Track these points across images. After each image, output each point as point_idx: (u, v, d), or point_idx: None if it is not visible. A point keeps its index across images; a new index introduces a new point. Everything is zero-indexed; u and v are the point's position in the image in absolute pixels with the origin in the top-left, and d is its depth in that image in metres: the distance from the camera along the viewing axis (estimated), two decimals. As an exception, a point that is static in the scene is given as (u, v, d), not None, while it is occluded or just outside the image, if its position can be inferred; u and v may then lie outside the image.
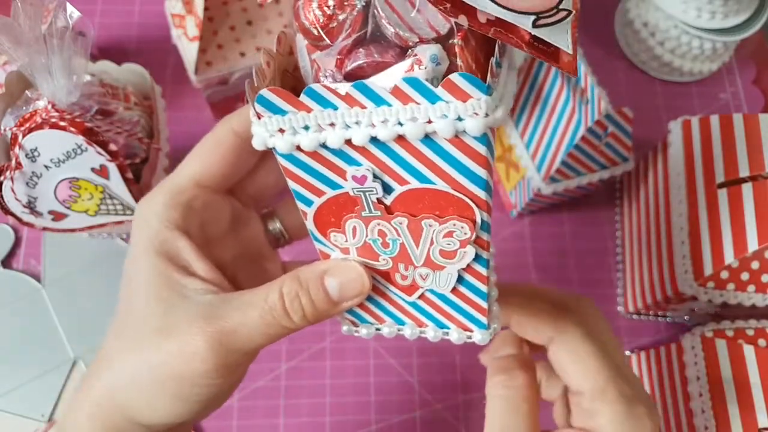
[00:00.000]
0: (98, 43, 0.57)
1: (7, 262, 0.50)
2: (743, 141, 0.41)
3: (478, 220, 0.24)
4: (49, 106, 0.37)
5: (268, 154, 0.27)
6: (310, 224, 0.26)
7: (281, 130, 0.23)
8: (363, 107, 0.22)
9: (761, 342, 0.41)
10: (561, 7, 0.21)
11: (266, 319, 0.26)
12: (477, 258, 0.25)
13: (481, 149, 0.22)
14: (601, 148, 0.46)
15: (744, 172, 0.40)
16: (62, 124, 0.36)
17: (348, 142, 0.22)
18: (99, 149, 0.37)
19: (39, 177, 0.38)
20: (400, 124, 0.22)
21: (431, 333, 0.29)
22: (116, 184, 0.40)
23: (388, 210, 0.25)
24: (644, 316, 0.51)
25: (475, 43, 0.23)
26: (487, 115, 0.21)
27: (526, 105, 0.50)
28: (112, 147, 0.38)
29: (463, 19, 0.20)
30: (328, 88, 0.21)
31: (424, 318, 0.29)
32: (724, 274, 0.41)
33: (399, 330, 0.29)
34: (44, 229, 0.42)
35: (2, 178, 0.37)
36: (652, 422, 0.28)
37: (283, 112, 0.22)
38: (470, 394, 0.48)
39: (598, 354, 0.29)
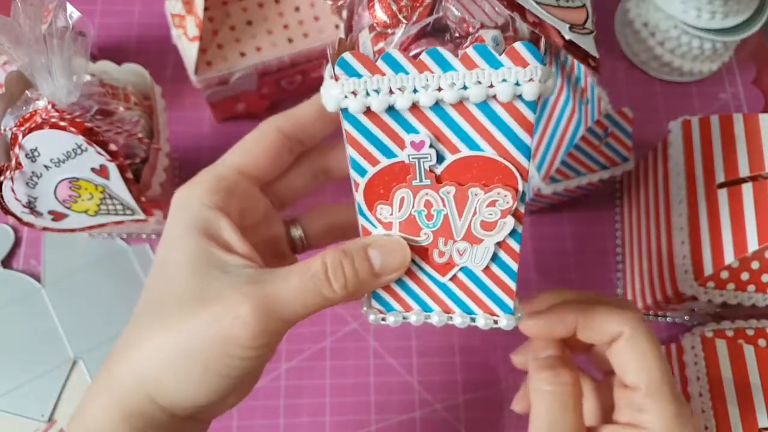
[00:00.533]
0: (98, 43, 0.57)
1: (7, 262, 0.50)
2: (743, 141, 0.41)
3: (520, 189, 0.26)
4: (49, 106, 0.37)
5: (301, 159, 0.32)
6: (359, 197, 0.28)
7: (354, 93, 0.25)
8: (432, 72, 0.24)
9: (761, 342, 0.41)
10: (586, 25, 0.25)
11: (308, 285, 0.27)
12: (513, 233, 0.27)
13: (530, 116, 0.25)
14: (601, 148, 0.46)
15: (744, 172, 0.40)
16: (62, 124, 0.36)
17: (414, 106, 0.25)
18: (99, 149, 0.37)
19: (39, 177, 0.38)
20: (465, 87, 0.24)
21: (458, 320, 0.30)
22: (116, 184, 0.40)
23: (438, 179, 0.27)
24: (644, 316, 0.51)
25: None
26: (541, 81, 0.23)
27: (526, 105, 0.50)
28: (112, 147, 0.38)
29: (516, 15, 0.23)
30: (404, 55, 0.24)
31: (453, 303, 0.30)
32: (724, 274, 0.41)
33: (426, 318, 0.30)
34: (44, 229, 0.42)
35: (2, 178, 0.37)
36: (694, 426, 0.30)
37: (359, 75, 0.25)
38: (470, 394, 0.48)
39: (657, 353, 0.30)
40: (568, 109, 0.46)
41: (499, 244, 0.28)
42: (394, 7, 0.26)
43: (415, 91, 0.24)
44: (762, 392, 0.38)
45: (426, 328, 0.49)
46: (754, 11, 0.55)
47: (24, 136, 0.36)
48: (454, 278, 0.29)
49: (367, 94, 0.25)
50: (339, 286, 0.27)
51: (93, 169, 0.39)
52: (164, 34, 0.53)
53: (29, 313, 0.48)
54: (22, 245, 0.50)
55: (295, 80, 0.52)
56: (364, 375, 0.48)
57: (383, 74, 0.24)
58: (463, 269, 0.29)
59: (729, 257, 0.40)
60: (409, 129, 0.26)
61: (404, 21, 0.26)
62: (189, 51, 0.48)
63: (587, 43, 0.24)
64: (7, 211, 0.39)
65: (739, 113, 0.42)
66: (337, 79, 0.25)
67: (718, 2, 0.52)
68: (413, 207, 0.27)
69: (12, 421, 0.45)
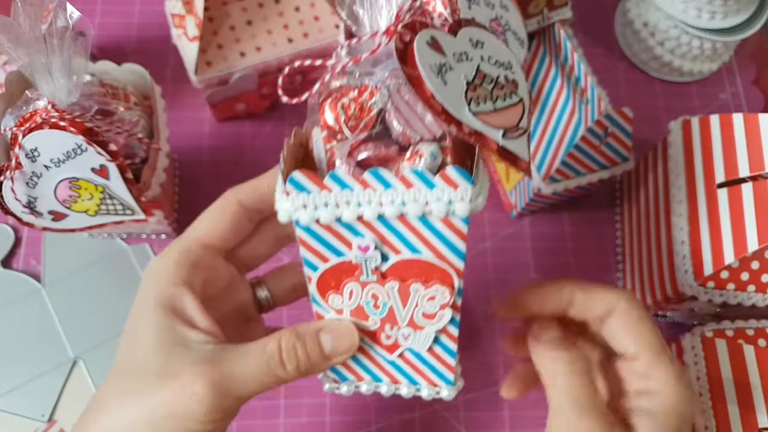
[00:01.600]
0: (98, 43, 0.57)
1: (7, 262, 0.50)
2: (743, 141, 0.41)
3: (457, 285, 0.30)
4: (49, 106, 0.37)
5: (262, 226, 0.35)
6: (312, 288, 0.31)
7: (305, 206, 0.28)
8: (374, 189, 0.27)
9: (761, 342, 0.41)
10: (520, 126, 0.28)
11: (263, 367, 0.30)
12: (452, 320, 0.31)
13: (464, 228, 0.28)
14: (601, 148, 0.46)
15: (744, 172, 0.40)
16: (62, 124, 0.36)
17: (359, 217, 0.28)
18: (99, 149, 0.37)
19: (39, 177, 0.38)
20: (404, 204, 0.27)
21: (404, 390, 0.34)
22: (116, 184, 0.40)
23: (383, 276, 0.30)
24: (644, 316, 0.51)
25: (459, 146, 0.29)
26: (471, 201, 0.27)
27: (526, 105, 0.50)
28: (112, 147, 0.38)
29: (453, 129, 0.26)
30: (348, 174, 0.27)
31: (400, 375, 0.34)
32: (724, 274, 0.41)
33: (376, 387, 0.35)
34: (44, 229, 0.42)
35: (2, 178, 0.37)
36: (692, 388, 0.32)
37: (308, 191, 0.28)
38: (470, 394, 0.48)
39: (652, 325, 0.32)
40: (568, 109, 0.47)
41: (439, 330, 0.31)
42: (342, 118, 0.28)
43: (359, 205, 0.27)
44: (762, 392, 0.38)
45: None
46: (754, 11, 0.55)
47: (24, 136, 0.36)
48: (401, 356, 0.33)
49: (316, 207, 0.28)
50: (292, 367, 0.30)
51: (93, 169, 0.39)
52: (164, 34, 0.53)
53: (29, 313, 0.48)
54: (22, 245, 0.50)
55: (295, 80, 0.52)
56: (364, 375, 0.48)
57: (330, 190, 0.27)
58: (408, 349, 0.33)
59: (729, 257, 0.40)
60: (356, 233, 0.28)
61: (349, 133, 0.29)
62: (189, 51, 0.48)
63: (519, 146, 0.28)
64: (7, 211, 0.39)
65: (739, 113, 0.42)
66: (288, 194, 0.28)
67: (718, 2, 0.52)
68: (361, 298, 0.31)
69: (12, 421, 0.45)
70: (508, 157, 0.27)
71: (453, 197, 0.27)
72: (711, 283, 0.41)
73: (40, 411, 0.45)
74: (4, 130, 0.37)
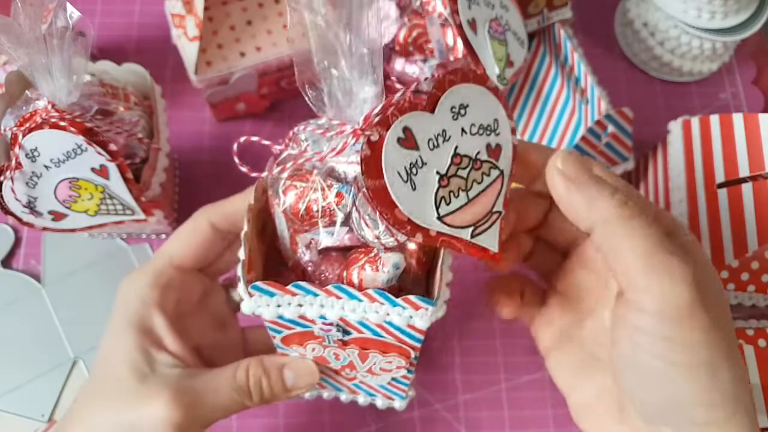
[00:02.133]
0: (98, 43, 0.57)
1: (7, 262, 0.50)
2: (743, 141, 0.41)
3: (413, 356, 0.32)
4: (49, 106, 0.37)
5: (236, 241, 0.36)
6: (276, 342, 0.33)
7: (268, 305, 0.29)
8: (339, 298, 0.28)
9: (761, 342, 0.41)
10: (494, 210, 0.28)
11: (232, 395, 0.32)
12: (408, 370, 0.34)
13: (424, 327, 0.29)
14: (601, 148, 0.46)
15: (744, 172, 0.40)
16: (62, 124, 0.36)
17: (322, 318, 0.29)
18: (99, 149, 0.37)
19: (39, 177, 0.38)
20: (365, 312, 0.28)
21: (361, 399, 0.39)
22: (116, 184, 0.40)
23: (344, 344, 0.32)
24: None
25: (423, 248, 0.30)
26: (431, 316, 0.28)
27: (526, 105, 0.50)
28: (112, 147, 0.38)
29: (419, 237, 0.26)
30: (312, 284, 0.28)
31: (359, 390, 0.38)
32: (724, 274, 0.41)
33: (337, 394, 0.39)
34: (44, 229, 0.42)
35: (2, 178, 0.37)
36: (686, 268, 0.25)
37: (272, 294, 0.29)
38: (470, 394, 0.48)
39: (643, 234, 0.26)
40: (568, 109, 0.47)
41: (395, 376, 0.34)
42: (304, 213, 0.28)
43: (322, 306, 0.29)
44: (762, 392, 0.38)
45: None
46: (754, 11, 0.55)
47: (24, 136, 0.36)
48: (360, 382, 0.36)
49: (279, 305, 0.29)
50: (257, 398, 0.33)
51: (93, 169, 0.39)
52: (164, 34, 0.53)
53: (29, 313, 0.48)
54: (22, 245, 0.50)
55: (295, 80, 0.52)
56: (364, 375, 0.48)
57: (294, 294, 0.28)
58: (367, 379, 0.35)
59: (729, 257, 0.40)
60: (321, 316, 0.29)
61: (309, 227, 0.29)
62: (189, 51, 0.48)
63: (489, 237, 0.28)
64: (7, 211, 0.39)
65: (739, 113, 0.42)
66: (251, 295, 0.29)
67: (718, 2, 0.52)
68: (324, 353, 0.33)
69: (12, 421, 0.45)
70: (476, 252, 0.28)
71: (414, 314, 0.28)
72: (711, 283, 0.41)
73: (40, 411, 0.45)
74: (4, 130, 0.37)
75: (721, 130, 0.43)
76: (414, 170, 0.26)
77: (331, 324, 0.30)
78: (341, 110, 0.27)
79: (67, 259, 0.50)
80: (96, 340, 0.47)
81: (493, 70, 0.43)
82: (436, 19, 0.44)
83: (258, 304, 0.29)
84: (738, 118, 0.42)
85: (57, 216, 0.41)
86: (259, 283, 0.28)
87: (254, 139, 0.30)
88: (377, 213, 0.26)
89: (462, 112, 0.27)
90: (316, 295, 0.28)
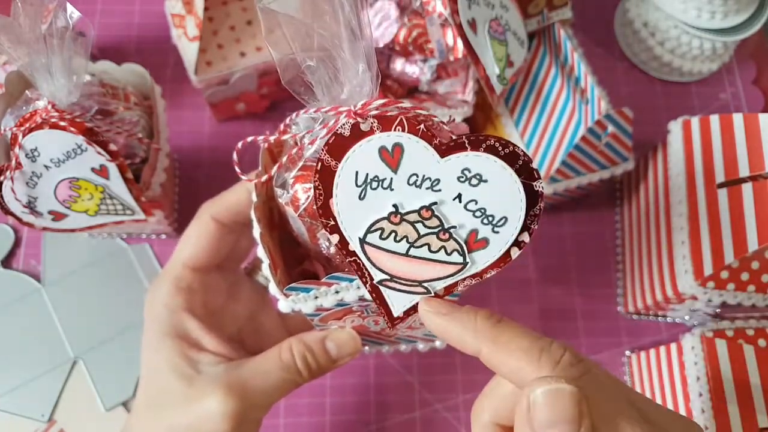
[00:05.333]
0: (98, 43, 0.57)
1: (7, 262, 0.50)
2: (743, 141, 0.41)
3: None
4: (49, 106, 0.37)
5: (245, 228, 0.35)
6: (315, 322, 0.32)
7: (305, 300, 0.29)
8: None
9: (761, 342, 0.41)
10: (423, 283, 0.26)
11: (283, 376, 0.32)
12: None
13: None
14: (601, 148, 0.46)
15: (744, 172, 0.40)
16: (62, 124, 0.36)
17: (361, 297, 0.28)
18: (99, 149, 0.37)
19: (39, 177, 0.38)
20: None
21: (403, 347, 0.39)
22: (116, 184, 0.40)
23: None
24: (644, 316, 0.51)
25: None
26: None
27: (526, 105, 0.50)
28: (112, 147, 0.38)
29: (335, 238, 0.25)
30: (343, 271, 0.28)
31: (399, 341, 0.38)
32: (724, 274, 0.41)
33: (378, 348, 0.39)
34: (44, 229, 0.42)
35: (2, 178, 0.37)
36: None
37: (308, 290, 0.28)
38: (470, 394, 0.48)
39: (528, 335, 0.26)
40: (568, 109, 0.46)
41: None
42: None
43: (359, 287, 0.28)
44: (762, 392, 0.38)
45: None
46: (754, 11, 0.55)
47: (24, 136, 0.36)
48: (399, 336, 0.36)
49: (317, 297, 0.29)
50: (306, 373, 0.33)
51: (93, 169, 0.39)
52: (164, 34, 0.53)
53: (29, 313, 0.48)
54: (22, 245, 0.50)
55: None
56: (364, 375, 0.48)
57: (330, 285, 0.28)
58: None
59: (729, 257, 0.40)
60: (359, 296, 0.29)
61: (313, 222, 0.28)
62: (189, 51, 0.48)
63: (396, 301, 0.27)
64: (7, 211, 0.39)
65: (739, 113, 0.42)
66: (287, 296, 0.29)
67: (718, 2, 0.52)
68: (363, 322, 0.33)
69: (12, 421, 0.45)
70: (376, 300, 0.27)
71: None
72: (711, 283, 0.41)
73: (40, 411, 0.45)
74: (4, 130, 0.37)
75: (721, 130, 0.43)
76: (374, 184, 0.24)
77: (369, 300, 0.29)
78: (334, 99, 0.26)
79: (67, 259, 0.50)
80: (96, 340, 0.48)
81: (493, 70, 0.43)
82: (436, 19, 0.44)
83: (295, 301, 0.29)
84: (738, 118, 0.42)
85: (57, 216, 0.41)
86: (294, 284, 0.28)
87: (250, 139, 0.30)
88: (312, 186, 0.24)
89: (473, 181, 0.24)
90: (351, 280, 0.28)
